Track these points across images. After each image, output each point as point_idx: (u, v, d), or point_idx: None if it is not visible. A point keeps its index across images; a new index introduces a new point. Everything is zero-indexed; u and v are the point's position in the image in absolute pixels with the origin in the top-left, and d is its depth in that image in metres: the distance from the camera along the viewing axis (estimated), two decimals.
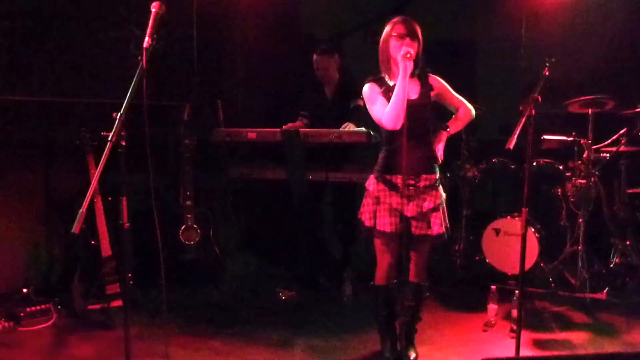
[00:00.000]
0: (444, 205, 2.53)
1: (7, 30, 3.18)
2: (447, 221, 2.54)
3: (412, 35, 2.39)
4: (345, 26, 4.40)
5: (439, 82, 2.55)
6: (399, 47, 2.39)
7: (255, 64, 4.22)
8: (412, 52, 2.34)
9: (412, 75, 2.48)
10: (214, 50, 3.99)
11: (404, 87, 2.36)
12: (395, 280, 2.61)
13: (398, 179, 2.46)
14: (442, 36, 4.12)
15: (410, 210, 2.47)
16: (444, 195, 2.53)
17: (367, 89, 2.51)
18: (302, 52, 3.90)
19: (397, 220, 2.48)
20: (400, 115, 2.37)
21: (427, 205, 2.47)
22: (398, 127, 2.40)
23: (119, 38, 3.32)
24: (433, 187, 2.49)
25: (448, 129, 2.59)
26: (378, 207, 2.49)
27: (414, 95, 2.47)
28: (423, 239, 2.51)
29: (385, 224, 2.47)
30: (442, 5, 4.26)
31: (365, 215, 2.52)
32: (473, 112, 2.62)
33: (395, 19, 2.45)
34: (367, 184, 2.55)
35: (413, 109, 2.42)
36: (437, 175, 2.52)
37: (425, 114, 2.48)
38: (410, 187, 2.45)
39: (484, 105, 3.97)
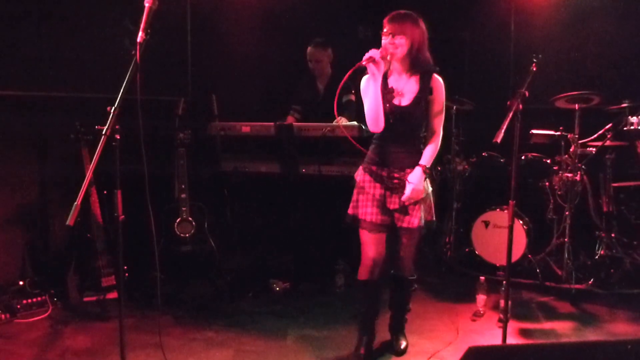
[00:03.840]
0: (430, 198, 2.52)
1: (2, 25, 3.18)
2: (433, 214, 2.54)
3: (395, 32, 2.32)
4: (338, 22, 4.42)
5: (437, 90, 2.44)
6: (385, 44, 2.34)
7: (249, 58, 4.24)
8: (377, 54, 2.26)
9: (410, 71, 2.41)
10: (208, 44, 4.00)
11: (374, 92, 2.33)
12: (378, 277, 2.56)
13: (383, 172, 2.47)
14: (433, 33, 4.15)
15: (392, 202, 2.47)
16: (429, 189, 2.51)
17: (363, 82, 2.45)
18: (296, 47, 3.92)
19: (379, 211, 2.47)
20: (377, 120, 2.38)
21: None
22: (378, 130, 2.42)
23: (114, 33, 3.33)
24: None
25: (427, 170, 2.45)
26: (361, 196, 2.50)
27: (407, 101, 2.42)
28: (405, 231, 2.52)
29: (367, 213, 2.47)
30: (432, 2, 4.29)
31: (351, 204, 2.53)
32: (439, 145, 2.49)
33: (388, 16, 2.39)
34: (355, 174, 2.57)
35: (402, 114, 2.41)
36: None
37: (415, 119, 2.43)
38: (395, 180, 2.45)
39: (474, 100, 4.04)
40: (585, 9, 4.20)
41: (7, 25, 3.19)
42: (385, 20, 2.38)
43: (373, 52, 2.29)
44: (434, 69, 2.44)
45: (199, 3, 3.91)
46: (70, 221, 1.88)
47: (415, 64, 2.41)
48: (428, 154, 2.47)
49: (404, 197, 2.42)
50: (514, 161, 2.40)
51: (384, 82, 2.44)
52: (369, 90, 2.37)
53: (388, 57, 2.36)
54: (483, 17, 4.43)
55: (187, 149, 3.34)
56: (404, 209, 2.47)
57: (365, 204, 2.49)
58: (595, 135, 3.61)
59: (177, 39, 3.84)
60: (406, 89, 2.43)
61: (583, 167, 3.60)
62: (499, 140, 2.33)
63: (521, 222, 3.66)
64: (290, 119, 3.74)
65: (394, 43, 2.34)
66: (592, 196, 3.73)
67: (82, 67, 3.40)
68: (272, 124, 3.45)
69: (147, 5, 2.02)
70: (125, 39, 3.12)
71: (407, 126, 2.44)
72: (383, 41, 2.36)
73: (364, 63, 2.28)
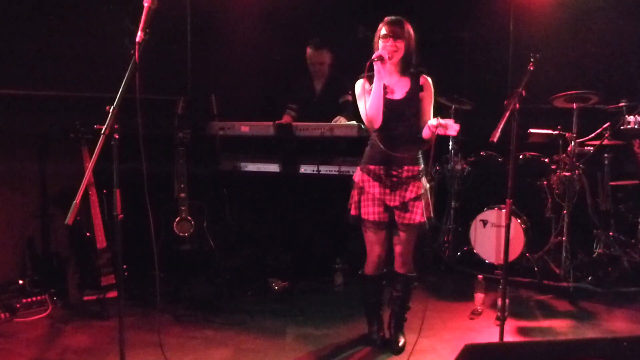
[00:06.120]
0: (428, 195, 2.60)
1: (2, 24, 3.19)
2: (431, 211, 2.61)
3: (395, 35, 2.45)
4: (336, 21, 4.43)
5: (427, 88, 2.56)
6: (383, 48, 2.46)
7: (249, 58, 4.25)
8: (385, 54, 2.42)
9: (402, 73, 2.54)
10: (208, 44, 4.02)
11: (377, 89, 2.46)
12: (384, 271, 2.69)
13: (381, 170, 2.53)
14: (433, 33, 4.17)
15: (392, 200, 2.54)
16: (427, 185, 2.59)
17: (358, 85, 2.58)
18: (296, 46, 3.93)
19: (381, 209, 2.55)
20: (376, 116, 2.48)
21: (409, 195, 2.53)
22: (376, 126, 2.50)
23: (113, 32, 3.34)
24: (415, 177, 2.55)
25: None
26: (362, 196, 2.58)
27: (399, 96, 2.53)
28: (405, 228, 2.58)
29: (369, 212, 2.56)
30: (433, 2, 4.31)
31: (352, 205, 2.61)
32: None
33: (385, 19, 2.51)
34: (354, 175, 2.64)
35: (396, 109, 2.49)
36: (421, 167, 2.57)
37: (408, 113, 2.51)
38: (393, 178, 2.52)
39: (472, 100, 4.05)
40: (583, 9, 4.22)
41: (7, 23, 3.20)
42: (384, 24, 2.50)
43: (383, 52, 2.43)
44: (422, 70, 2.57)
45: (199, 3, 3.92)
46: (69, 220, 1.89)
47: (407, 66, 2.54)
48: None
49: (434, 125, 2.32)
50: (511, 160, 2.41)
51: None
52: (374, 88, 2.47)
53: (391, 60, 2.48)
54: (482, 17, 4.44)
55: (186, 148, 3.35)
56: (404, 206, 2.55)
57: (366, 203, 2.56)
58: (593, 135, 3.63)
59: (177, 39, 3.85)
60: (397, 86, 2.55)
61: (581, 166, 3.61)
62: (495, 140, 2.35)
63: (519, 220, 3.68)
64: (286, 118, 3.75)
65: (396, 46, 2.46)
66: (590, 195, 3.75)
67: (81, 66, 3.41)
68: (271, 123, 3.47)
69: (146, 4, 2.03)
70: (125, 39, 3.12)
71: (401, 120, 2.51)
72: (382, 44, 2.47)
73: (375, 59, 2.41)
